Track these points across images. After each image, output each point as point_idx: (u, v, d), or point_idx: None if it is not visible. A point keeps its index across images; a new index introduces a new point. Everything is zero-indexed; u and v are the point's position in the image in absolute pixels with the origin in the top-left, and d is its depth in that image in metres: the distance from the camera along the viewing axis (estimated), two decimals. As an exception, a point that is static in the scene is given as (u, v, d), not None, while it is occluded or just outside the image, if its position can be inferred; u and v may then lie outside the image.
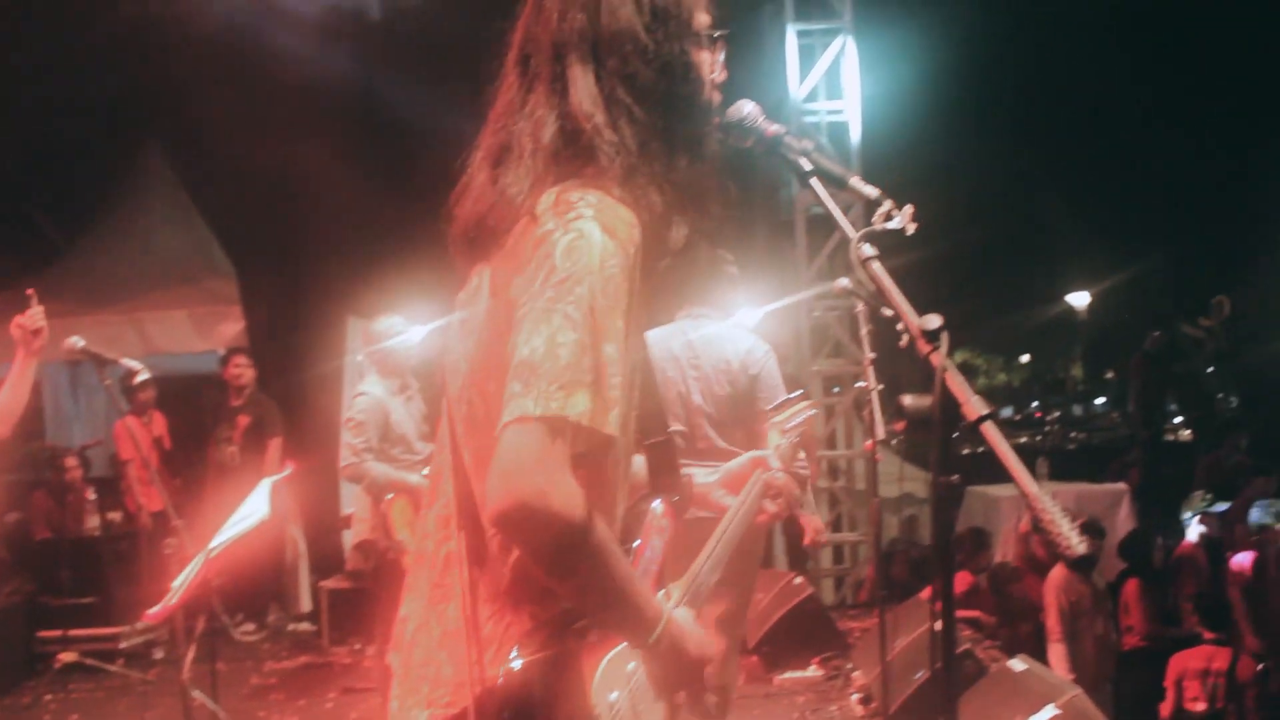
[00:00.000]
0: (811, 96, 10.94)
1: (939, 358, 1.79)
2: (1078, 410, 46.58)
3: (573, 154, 1.97)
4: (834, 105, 10.94)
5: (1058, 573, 8.73)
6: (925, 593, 9.09)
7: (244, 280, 11.18)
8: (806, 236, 10.85)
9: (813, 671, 7.93)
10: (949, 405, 1.76)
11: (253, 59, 10.44)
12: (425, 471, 6.47)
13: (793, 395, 2.98)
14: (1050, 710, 5.11)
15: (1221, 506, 11.05)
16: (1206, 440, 15.85)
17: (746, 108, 2.15)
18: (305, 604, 10.37)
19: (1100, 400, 46.74)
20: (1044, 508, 1.67)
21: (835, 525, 11.18)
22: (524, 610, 1.94)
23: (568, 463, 1.80)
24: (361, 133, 11.91)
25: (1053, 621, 8.56)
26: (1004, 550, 10.87)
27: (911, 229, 2.04)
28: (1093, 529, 8.73)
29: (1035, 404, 52.00)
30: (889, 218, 2.02)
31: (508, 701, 1.84)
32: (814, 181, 2.09)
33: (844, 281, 5.69)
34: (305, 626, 10.00)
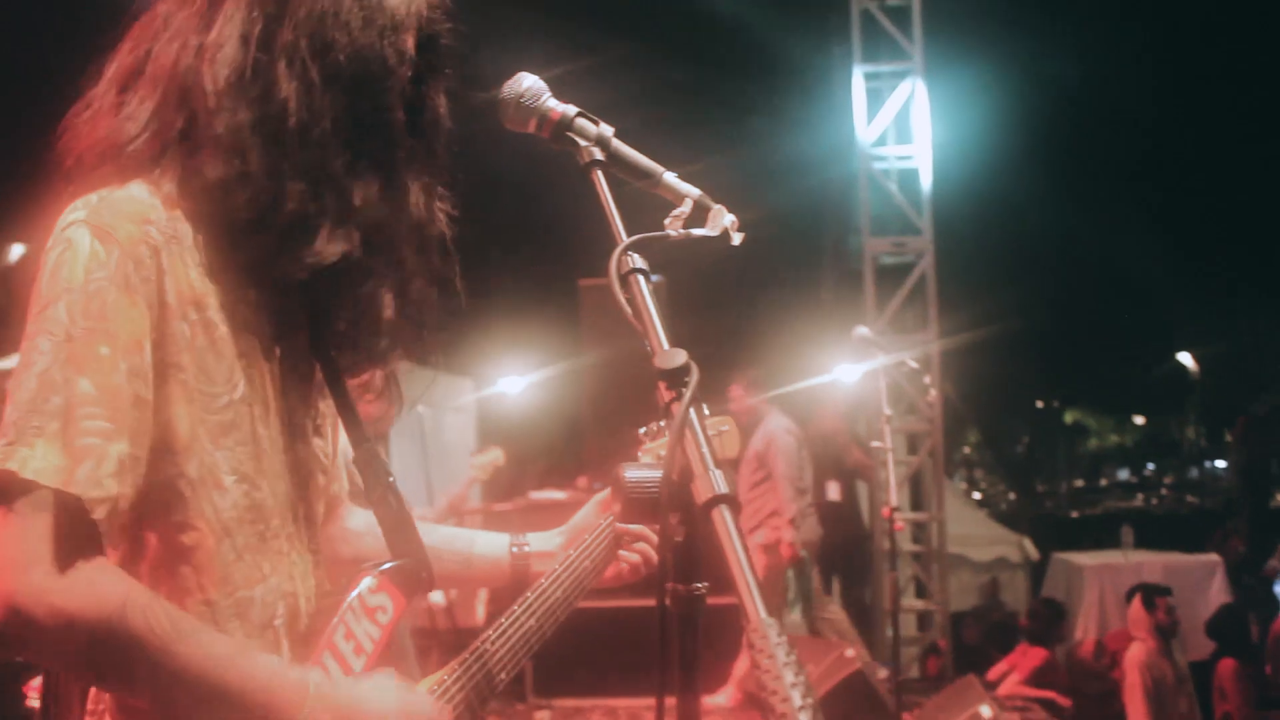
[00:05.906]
0: (880, 141, 10.45)
1: (680, 409, 1.25)
2: (1194, 473, 44.93)
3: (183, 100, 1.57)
4: (904, 150, 10.43)
5: (1139, 649, 8.04)
6: (995, 669, 8.46)
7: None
8: (875, 286, 10.30)
9: (858, 753, 7.32)
10: (683, 481, 1.21)
11: None
12: None
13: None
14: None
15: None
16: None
17: (526, 81, 1.68)
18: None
19: (1221, 463, 44.94)
20: (764, 649, 1.04)
21: (918, 591, 10.57)
22: None
23: (75, 535, 1.36)
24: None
25: (1137, 702, 7.85)
26: (1085, 624, 10.13)
27: (737, 239, 1.54)
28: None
29: (1151, 466, 50.43)
30: (698, 223, 1.52)
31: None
32: (599, 174, 1.58)
33: (862, 330, 5.16)
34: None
